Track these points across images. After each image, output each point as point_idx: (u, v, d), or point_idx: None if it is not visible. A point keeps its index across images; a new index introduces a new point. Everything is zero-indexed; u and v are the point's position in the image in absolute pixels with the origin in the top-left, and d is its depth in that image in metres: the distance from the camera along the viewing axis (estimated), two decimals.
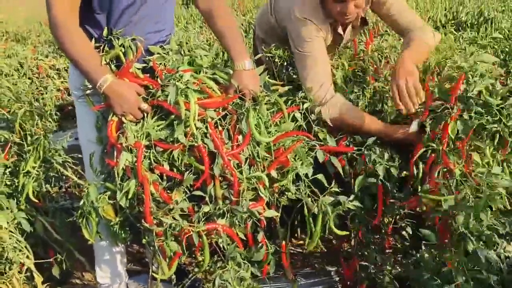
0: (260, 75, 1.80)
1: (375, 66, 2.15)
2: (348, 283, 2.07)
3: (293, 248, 2.57)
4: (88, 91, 1.70)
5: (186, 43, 2.42)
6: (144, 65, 1.71)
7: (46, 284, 2.17)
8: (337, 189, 1.71)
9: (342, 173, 1.83)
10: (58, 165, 2.19)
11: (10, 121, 1.90)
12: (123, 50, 1.65)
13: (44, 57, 5.32)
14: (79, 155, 2.11)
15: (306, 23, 1.97)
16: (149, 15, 1.72)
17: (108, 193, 1.64)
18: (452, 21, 5.11)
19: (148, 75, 1.69)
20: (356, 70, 2.14)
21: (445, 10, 5.09)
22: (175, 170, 1.63)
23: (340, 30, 2.12)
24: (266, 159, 1.72)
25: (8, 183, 1.91)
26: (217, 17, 1.78)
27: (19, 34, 6.47)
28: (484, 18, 3.72)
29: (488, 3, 3.93)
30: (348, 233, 1.87)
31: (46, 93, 4.78)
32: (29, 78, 4.68)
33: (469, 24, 4.00)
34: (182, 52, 1.79)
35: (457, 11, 5.11)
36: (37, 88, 4.77)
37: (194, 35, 3.43)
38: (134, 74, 1.65)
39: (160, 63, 1.67)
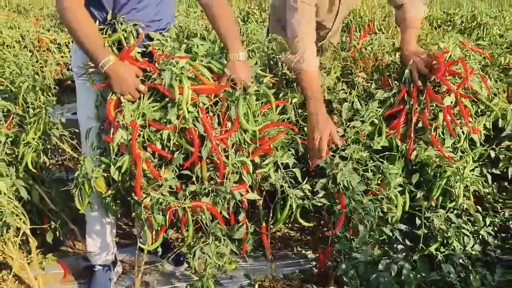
0: (252, 67, 1.91)
1: (363, 65, 2.28)
2: (322, 269, 2.21)
3: (276, 231, 2.70)
4: (90, 70, 1.81)
5: (186, 28, 2.53)
6: (144, 49, 1.82)
7: (39, 250, 2.30)
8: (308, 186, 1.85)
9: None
10: (56, 138, 2.31)
11: (13, 93, 2.01)
12: (125, 35, 1.76)
13: (45, 30, 5.39)
14: (76, 130, 2.23)
15: None
16: (151, 4, 1.84)
17: (103, 166, 1.76)
18: (448, 22, 5.24)
19: (146, 59, 1.80)
20: (345, 70, 2.26)
21: (442, 12, 5.19)
22: (166, 149, 1.75)
23: None
24: (251, 146, 1.85)
25: (9, 152, 2.02)
26: (216, 10, 1.89)
27: (21, 6, 6.51)
28: (477, 23, 3.84)
29: (482, 9, 4.04)
30: (311, 225, 2.05)
31: (46, 66, 4.86)
32: (30, 51, 4.74)
33: (462, 28, 4.13)
34: (181, 38, 1.90)
35: (454, 13, 5.23)
36: (37, 61, 4.83)
37: (194, 21, 3.52)
38: (134, 58, 1.76)
39: (159, 49, 1.78)
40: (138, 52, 1.79)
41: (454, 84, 1.95)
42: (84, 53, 1.73)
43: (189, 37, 2.08)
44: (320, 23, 2.44)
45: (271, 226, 2.06)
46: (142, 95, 1.72)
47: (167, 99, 1.72)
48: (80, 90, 1.94)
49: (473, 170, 1.97)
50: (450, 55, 2.02)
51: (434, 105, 1.98)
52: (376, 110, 1.94)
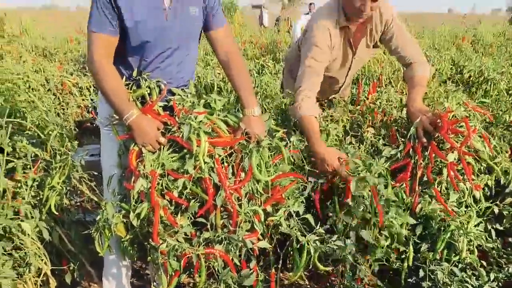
0: (265, 121, 2.04)
1: (370, 120, 2.39)
2: None
3: (285, 278, 2.75)
4: (114, 122, 1.95)
5: (203, 79, 2.68)
6: (165, 103, 1.96)
7: None
8: (322, 230, 1.92)
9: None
10: (76, 180, 2.43)
11: (41, 139, 2.15)
12: (148, 91, 1.91)
13: (69, 74, 5.64)
14: (94, 172, 2.35)
15: (319, 27, 2.31)
16: (174, 63, 2.00)
17: (123, 212, 1.87)
18: (458, 75, 5.37)
19: (168, 112, 1.94)
20: (353, 124, 2.38)
21: (452, 65, 5.34)
22: (182, 197, 1.85)
23: (351, 38, 2.40)
24: (263, 195, 1.95)
25: (34, 194, 2.15)
26: (233, 68, 2.05)
27: (47, 50, 6.83)
28: (484, 78, 3.97)
29: (490, 64, 4.17)
30: (330, 269, 2.07)
31: (68, 108, 5.07)
32: (53, 94, 4.97)
33: (470, 82, 4.26)
34: (201, 91, 2.05)
35: (464, 65, 5.36)
36: (59, 103, 5.05)
37: (212, 71, 3.71)
38: (156, 111, 1.90)
39: (179, 104, 1.93)
40: (160, 106, 1.93)
41: (458, 142, 2.05)
42: (109, 105, 1.88)
43: (207, 88, 2.22)
44: (333, 78, 2.59)
45: (290, 274, 2.11)
46: (162, 147, 1.85)
47: (185, 150, 1.84)
48: (105, 139, 2.08)
49: (477, 225, 2.03)
50: (454, 114, 2.12)
51: (439, 160, 2.07)
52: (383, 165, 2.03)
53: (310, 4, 16.12)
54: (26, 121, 2.14)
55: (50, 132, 2.09)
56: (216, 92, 3.41)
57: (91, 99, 5.37)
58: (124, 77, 1.95)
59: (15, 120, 2.04)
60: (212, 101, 1.96)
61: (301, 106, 2.21)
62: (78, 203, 3.14)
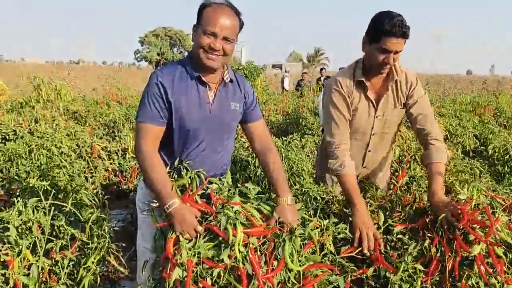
0: (298, 210, 2.10)
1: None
2: None
3: None
4: (153, 207, 2.03)
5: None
6: (203, 191, 2.04)
7: None
8: None
9: None
10: (104, 251, 2.48)
11: (81, 221, 2.24)
12: (189, 181, 2.00)
13: (98, 138, 5.85)
14: (122, 244, 2.40)
15: (333, 79, 2.51)
16: (214, 152, 2.12)
17: None
18: (482, 147, 5.38)
19: (204, 200, 2.01)
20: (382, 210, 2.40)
21: (475, 138, 5.37)
22: (216, 286, 1.88)
23: (370, 94, 2.48)
24: (295, 285, 1.96)
25: (68, 273, 2.20)
26: (269, 160, 2.16)
27: (78, 113, 7.11)
28: (509, 156, 3.99)
29: None
30: None
31: (96, 172, 5.21)
32: (83, 159, 5.13)
33: (495, 158, 4.28)
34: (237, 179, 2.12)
35: (488, 138, 5.37)
36: (88, 167, 5.20)
37: (239, 146, 3.83)
38: (194, 200, 1.98)
39: (216, 193, 2.01)
40: (198, 194, 2.01)
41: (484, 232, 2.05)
42: (152, 192, 1.97)
43: (235, 162, 2.29)
44: (358, 140, 2.62)
45: None
46: (198, 235, 1.91)
47: (220, 239, 1.89)
48: (142, 223, 2.16)
49: None
50: (475, 204, 2.13)
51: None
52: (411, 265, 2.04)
53: (321, 69, 16.57)
54: (67, 201, 2.23)
55: (89, 215, 2.17)
56: (244, 165, 3.49)
57: (119, 163, 5.53)
58: (165, 163, 2.05)
59: (57, 202, 2.13)
60: (247, 192, 2.03)
61: (344, 164, 2.34)
62: (106, 274, 3.18)
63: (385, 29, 2.24)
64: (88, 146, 5.44)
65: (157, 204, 1.99)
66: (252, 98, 2.23)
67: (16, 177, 3.90)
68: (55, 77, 9.20)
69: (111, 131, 6.49)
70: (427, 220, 2.24)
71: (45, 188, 2.13)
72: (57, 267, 2.16)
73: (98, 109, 7.29)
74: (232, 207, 1.90)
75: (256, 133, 2.23)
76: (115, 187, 5.64)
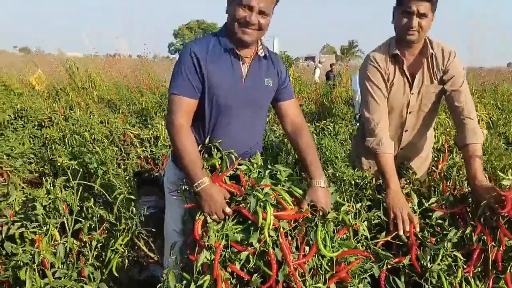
0: (332, 194, 1.99)
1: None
2: None
3: None
4: (182, 188, 1.97)
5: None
6: (232, 172, 1.97)
7: None
8: None
9: None
10: (134, 236, 2.45)
11: (109, 203, 2.21)
12: (219, 162, 1.93)
13: (131, 126, 5.87)
14: (152, 229, 2.35)
15: (368, 56, 2.43)
16: (246, 129, 2.06)
17: (184, 282, 1.84)
18: None
19: (233, 181, 1.94)
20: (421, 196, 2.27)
21: None
22: (245, 270, 1.81)
23: (405, 68, 2.38)
24: (328, 272, 1.87)
25: (96, 255, 2.18)
26: (301, 141, 2.06)
27: (112, 101, 7.17)
28: None
29: None
30: None
31: (128, 160, 5.23)
32: (116, 145, 5.16)
33: None
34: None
35: None
36: (121, 154, 5.23)
37: (271, 131, 3.74)
38: (224, 181, 1.91)
39: (246, 174, 1.93)
40: (227, 176, 1.94)
41: None
42: (181, 169, 1.91)
43: (266, 147, 2.21)
44: (395, 118, 2.50)
45: None
46: (226, 217, 1.84)
47: (249, 222, 1.81)
48: (171, 205, 2.10)
49: None
50: None
51: None
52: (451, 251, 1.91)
53: (332, 64, 16.51)
54: (95, 182, 2.21)
55: (117, 196, 2.14)
56: (275, 152, 3.41)
57: (151, 151, 5.54)
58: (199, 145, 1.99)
59: (85, 182, 2.10)
60: (277, 172, 1.94)
61: (382, 142, 2.26)
62: (135, 259, 3.17)
63: None
64: (121, 133, 5.47)
65: (186, 185, 1.93)
66: (285, 75, 2.14)
67: (49, 161, 3.95)
68: (91, 68, 9.34)
69: (143, 118, 6.51)
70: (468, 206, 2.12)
71: (74, 168, 2.10)
72: (85, 248, 2.14)
73: (131, 96, 7.33)
74: (262, 189, 1.82)
75: (288, 112, 2.14)
76: (147, 174, 5.66)
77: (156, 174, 5.47)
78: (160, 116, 6.62)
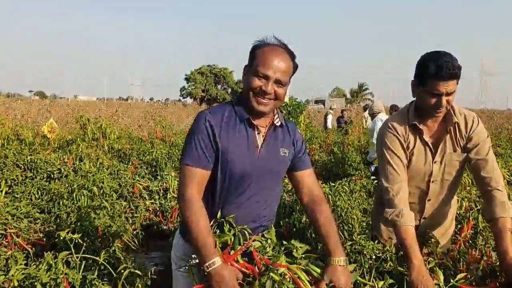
0: (351, 272, 1.86)
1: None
2: None
3: None
4: (192, 264, 1.84)
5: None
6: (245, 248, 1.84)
7: None
8: None
9: None
10: None
11: (114, 278, 2.09)
12: (232, 238, 1.81)
13: (140, 178, 5.80)
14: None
15: (386, 124, 2.35)
16: (260, 201, 1.96)
17: None
18: None
19: (246, 259, 1.81)
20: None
21: None
22: None
23: (426, 137, 2.28)
24: None
25: None
26: (320, 214, 1.95)
27: (122, 151, 7.14)
28: None
29: None
30: None
31: (137, 212, 5.11)
32: (124, 199, 5.07)
33: None
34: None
35: None
36: (129, 207, 5.12)
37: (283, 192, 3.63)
38: (236, 259, 1.78)
39: (259, 252, 1.80)
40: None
41: None
42: (191, 247, 1.79)
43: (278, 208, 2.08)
44: (416, 187, 2.38)
45: None
46: None
47: None
48: (178, 281, 1.98)
49: None
50: None
51: None
52: None
53: (343, 110, 16.64)
54: (99, 256, 2.09)
55: (122, 271, 2.02)
56: (287, 213, 3.28)
57: (160, 203, 5.43)
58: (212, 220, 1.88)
59: (89, 256, 1.99)
60: (293, 249, 1.82)
61: (403, 213, 2.13)
62: None
63: (431, 72, 2.07)
64: (130, 186, 5.39)
65: (196, 261, 1.80)
66: (301, 144, 2.06)
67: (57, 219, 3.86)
68: (103, 114, 9.38)
69: (153, 169, 6.45)
70: (498, 283, 1.96)
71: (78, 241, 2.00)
72: None
73: (141, 147, 7.30)
74: (277, 269, 1.69)
75: (304, 183, 2.04)
76: (155, 227, 5.53)
77: (165, 227, 5.35)
78: (170, 167, 6.56)
